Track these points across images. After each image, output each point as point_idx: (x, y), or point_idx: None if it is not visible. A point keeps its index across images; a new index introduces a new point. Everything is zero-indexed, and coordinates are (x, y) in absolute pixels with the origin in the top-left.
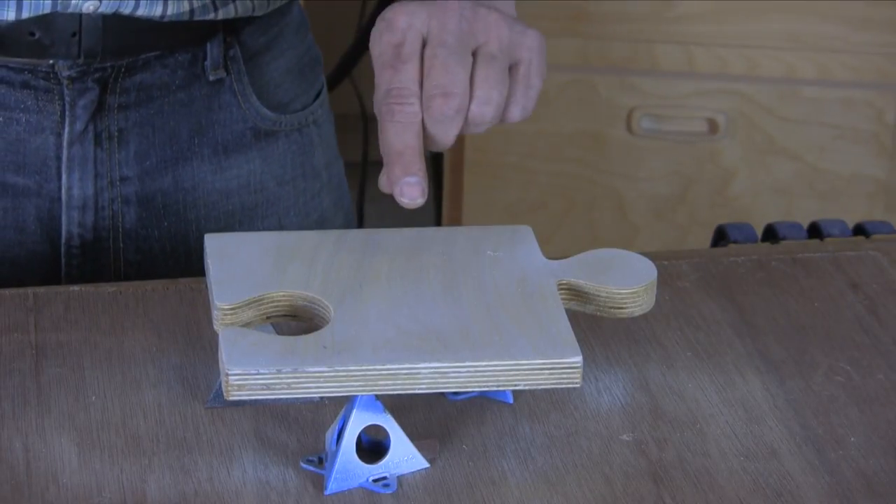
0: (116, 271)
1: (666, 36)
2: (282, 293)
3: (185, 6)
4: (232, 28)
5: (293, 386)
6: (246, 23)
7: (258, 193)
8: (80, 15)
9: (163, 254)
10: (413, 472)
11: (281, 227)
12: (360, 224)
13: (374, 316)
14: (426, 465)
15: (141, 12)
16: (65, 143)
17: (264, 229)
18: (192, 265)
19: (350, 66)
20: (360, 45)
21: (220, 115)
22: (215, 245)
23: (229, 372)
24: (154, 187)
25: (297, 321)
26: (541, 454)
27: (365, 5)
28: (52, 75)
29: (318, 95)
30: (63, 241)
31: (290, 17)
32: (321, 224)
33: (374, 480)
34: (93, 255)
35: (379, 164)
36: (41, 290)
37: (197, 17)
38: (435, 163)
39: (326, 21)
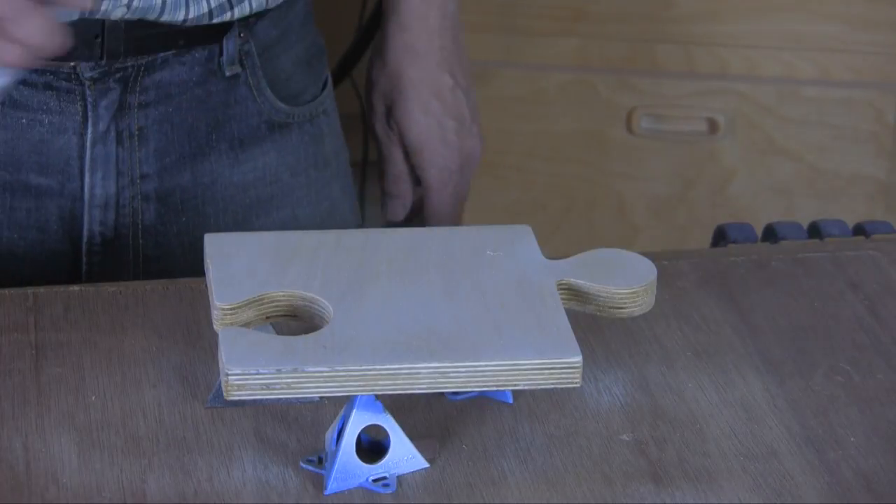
0: (136, 268)
1: (665, 36)
2: (282, 293)
3: (205, 8)
4: (245, 23)
5: (293, 386)
6: (258, 17)
7: (273, 185)
8: (104, 19)
9: (181, 248)
10: (413, 472)
11: (295, 217)
12: (361, 224)
13: (374, 316)
14: (426, 464)
15: (165, 18)
16: (88, 144)
17: (279, 220)
18: None
19: (350, 65)
20: (361, 45)
21: (236, 109)
22: (215, 245)
23: (229, 372)
24: (173, 183)
25: (297, 321)
26: (541, 454)
27: (365, 4)
28: (73, 76)
29: (324, 86)
30: (84, 239)
31: (298, 9)
32: (332, 211)
33: (374, 480)
34: (113, 252)
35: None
36: (41, 290)
37: (215, 19)
38: None
39: (327, 21)
